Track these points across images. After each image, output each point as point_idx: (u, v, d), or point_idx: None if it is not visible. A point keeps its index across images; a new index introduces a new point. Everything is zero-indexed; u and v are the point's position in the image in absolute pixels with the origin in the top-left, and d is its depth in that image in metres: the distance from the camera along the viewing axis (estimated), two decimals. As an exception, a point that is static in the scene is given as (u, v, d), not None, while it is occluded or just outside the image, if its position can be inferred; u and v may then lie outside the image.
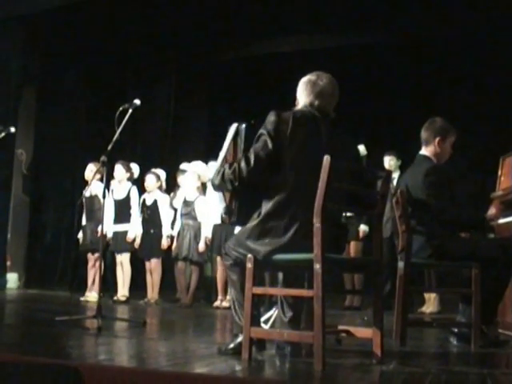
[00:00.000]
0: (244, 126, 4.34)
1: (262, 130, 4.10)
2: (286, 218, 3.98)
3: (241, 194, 4.22)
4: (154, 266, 9.69)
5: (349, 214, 8.56)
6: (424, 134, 5.27)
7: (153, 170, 10.07)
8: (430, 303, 8.65)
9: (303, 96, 4.28)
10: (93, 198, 9.81)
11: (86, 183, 9.47)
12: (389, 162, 9.05)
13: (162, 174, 10.22)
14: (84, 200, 9.81)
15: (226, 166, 4.15)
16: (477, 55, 11.19)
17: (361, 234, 8.91)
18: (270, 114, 4.11)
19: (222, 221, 4.61)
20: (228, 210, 4.30)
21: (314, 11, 11.16)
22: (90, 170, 9.65)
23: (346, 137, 4.34)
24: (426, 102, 11.38)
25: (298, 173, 4.00)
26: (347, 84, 12.29)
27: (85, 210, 9.98)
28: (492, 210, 5.41)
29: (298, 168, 4.01)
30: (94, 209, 9.73)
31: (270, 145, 4.02)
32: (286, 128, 4.05)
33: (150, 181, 9.79)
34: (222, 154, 4.37)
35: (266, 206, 4.05)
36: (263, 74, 12.86)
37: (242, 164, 4.05)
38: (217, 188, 4.27)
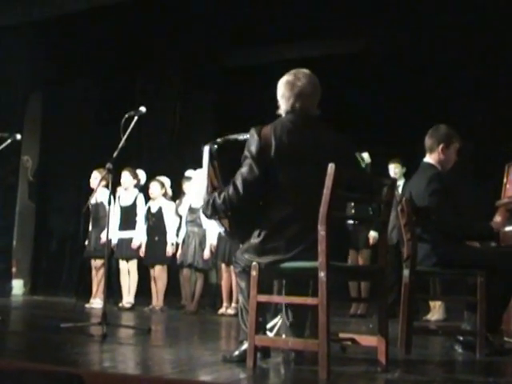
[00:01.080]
0: (215, 147, 4.32)
1: (245, 153, 4.03)
2: (284, 236, 3.95)
3: (238, 218, 4.17)
4: (158, 273, 9.69)
5: (356, 222, 8.59)
6: (428, 141, 5.26)
7: (157, 177, 10.08)
8: (436, 311, 8.62)
9: (283, 100, 4.19)
10: (98, 205, 9.82)
11: (91, 190, 9.49)
12: (394, 169, 9.04)
13: (167, 181, 10.23)
14: (90, 207, 9.83)
15: (215, 196, 4.10)
16: (483, 61, 11.16)
17: (371, 241, 8.86)
18: (251, 133, 4.04)
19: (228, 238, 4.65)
20: (229, 233, 4.30)
21: (319, 17, 11.16)
22: (95, 178, 9.68)
23: (339, 137, 4.20)
24: (431, 109, 11.35)
25: (291, 187, 3.95)
26: (351, 91, 12.30)
27: (91, 218, 9.99)
28: (497, 218, 5.40)
29: (291, 182, 3.96)
30: (99, 216, 9.74)
31: (255, 169, 3.97)
32: (270, 147, 3.98)
33: (155, 188, 9.80)
34: (205, 182, 4.33)
35: (265, 226, 4.01)
36: (270, 80, 12.86)
37: (231, 192, 4.01)
38: (210, 218, 4.26)
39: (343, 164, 3.76)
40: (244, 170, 4.00)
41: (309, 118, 4.16)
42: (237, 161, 4.10)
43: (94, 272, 9.87)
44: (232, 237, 4.27)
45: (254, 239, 4.05)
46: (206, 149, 4.36)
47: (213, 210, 4.12)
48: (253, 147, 4.00)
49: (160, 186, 9.82)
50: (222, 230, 4.30)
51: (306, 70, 4.24)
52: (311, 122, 4.16)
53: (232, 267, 7.55)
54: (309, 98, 4.17)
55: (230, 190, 4.01)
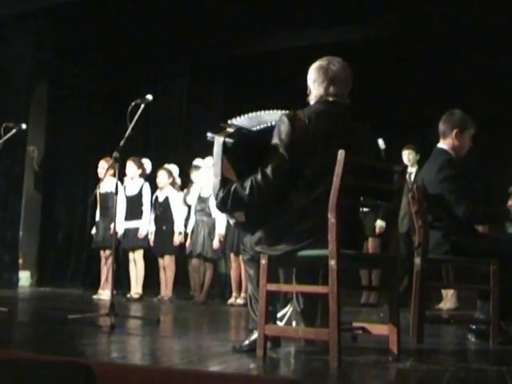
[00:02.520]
0: (231, 142, 4.03)
1: (275, 140, 3.96)
2: (310, 222, 3.90)
3: (259, 208, 4.05)
4: (167, 262, 9.71)
5: (365, 210, 8.57)
6: (442, 127, 5.24)
7: (165, 165, 10.09)
8: (448, 300, 8.63)
9: (316, 85, 4.16)
10: (106, 194, 9.82)
11: (98, 180, 9.50)
12: (407, 156, 9.04)
13: (175, 169, 10.23)
14: (98, 196, 9.85)
15: (236, 187, 3.95)
16: (496, 47, 11.11)
17: (377, 230, 8.88)
18: (282, 119, 3.98)
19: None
20: (240, 224, 4.20)
21: (330, 4, 11.12)
22: (102, 167, 9.67)
23: (365, 127, 4.22)
24: (447, 94, 11.30)
25: (317, 175, 3.92)
26: (366, 77, 12.27)
27: (99, 207, 10.01)
28: (510, 203, 5.39)
29: (318, 170, 3.92)
30: (108, 206, 9.74)
31: (286, 156, 3.90)
32: (303, 134, 3.93)
33: (162, 177, 9.81)
34: (217, 174, 4.06)
35: (279, 217, 3.98)
36: (280, 68, 12.81)
37: (260, 180, 3.89)
38: (229, 211, 4.11)
39: (368, 154, 3.79)
40: (274, 157, 3.93)
41: (341, 107, 4.13)
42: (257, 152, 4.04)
43: (101, 262, 9.89)
44: (244, 228, 4.20)
45: (270, 227, 4.01)
46: (219, 141, 4.07)
47: (235, 203, 3.96)
48: (284, 134, 3.93)
49: (167, 175, 9.83)
50: (232, 221, 4.20)
51: (338, 58, 4.22)
52: (343, 111, 4.13)
53: (241, 257, 7.55)
54: (342, 83, 4.15)
55: (259, 178, 3.90)
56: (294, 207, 3.94)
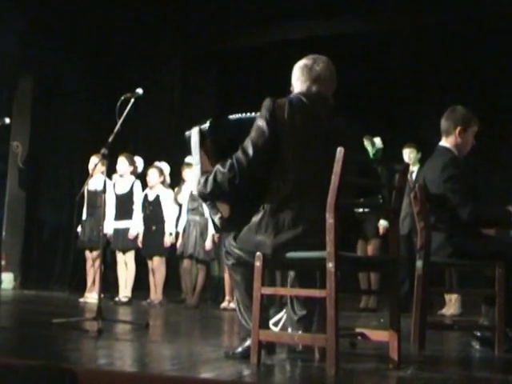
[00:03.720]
0: (207, 125, 4.23)
1: (257, 118, 4.06)
2: (292, 210, 3.94)
3: (237, 198, 4.13)
4: (156, 264, 9.69)
5: (366, 210, 8.58)
6: (444, 124, 5.24)
7: (155, 163, 10.08)
8: (451, 305, 8.63)
9: (299, 82, 4.25)
10: (94, 192, 9.81)
11: (86, 177, 9.47)
12: (408, 154, 9.05)
13: (166, 167, 10.22)
14: (86, 194, 9.84)
15: (218, 167, 4.05)
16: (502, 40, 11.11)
17: (381, 230, 8.88)
18: (265, 101, 4.07)
19: (217, 232, 4.48)
20: (225, 220, 4.21)
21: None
22: (93, 163, 9.65)
23: (348, 124, 4.27)
24: (449, 90, 11.30)
25: (300, 163, 3.97)
26: (363, 72, 12.25)
27: (86, 205, 10.00)
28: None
29: (300, 158, 3.98)
30: (96, 204, 9.73)
31: (267, 132, 3.98)
32: (283, 115, 4.01)
33: (153, 175, 9.79)
34: (196, 165, 4.23)
35: (270, 201, 4.00)
36: (275, 60, 12.81)
37: (240, 156, 3.98)
38: (209, 197, 4.17)
39: (352, 151, 3.79)
40: (255, 134, 4.01)
41: (324, 100, 4.20)
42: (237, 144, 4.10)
43: (88, 264, 9.88)
44: (229, 223, 4.21)
45: (259, 214, 4.03)
46: (195, 130, 4.27)
47: (214, 184, 4.04)
48: (265, 111, 4.02)
49: (158, 173, 9.81)
50: (217, 216, 4.22)
51: (324, 57, 4.30)
52: (326, 104, 4.20)
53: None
54: (325, 84, 4.23)
55: (239, 153, 3.99)
56: (276, 194, 3.99)
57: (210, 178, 4.06)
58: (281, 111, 4.02)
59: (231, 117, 4.32)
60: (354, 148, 3.91)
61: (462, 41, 11.41)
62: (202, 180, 4.12)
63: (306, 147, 3.99)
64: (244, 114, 4.41)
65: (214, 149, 4.21)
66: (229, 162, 4.01)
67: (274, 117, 4.00)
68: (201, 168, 4.22)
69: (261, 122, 4.02)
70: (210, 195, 4.14)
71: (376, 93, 12.10)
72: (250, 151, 3.97)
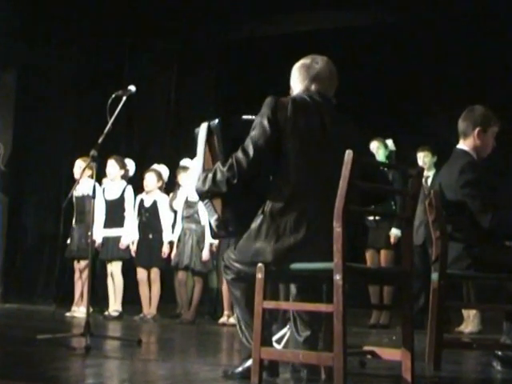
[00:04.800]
0: (217, 121, 4.30)
1: (258, 117, 4.10)
2: (294, 213, 3.95)
3: (235, 199, 4.16)
4: (153, 276, 9.67)
5: (377, 218, 8.58)
6: (462, 125, 5.23)
7: (154, 166, 10.08)
8: (469, 321, 8.61)
9: (298, 82, 4.32)
10: (82, 198, 9.81)
11: (73, 181, 9.48)
12: (423, 158, 9.03)
13: (165, 171, 10.21)
14: (74, 200, 9.84)
15: (218, 165, 4.11)
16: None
17: (392, 240, 8.86)
18: (267, 99, 4.12)
19: (214, 235, 4.49)
20: (221, 221, 4.23)
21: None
22: (79, 167, 9.65)
23: (354, 125, 4.30)
24: (468, 89, 11.27)
25: (302, 163, 4.01)
26: (372, 69, 12.21)
27: (74, 212, 9.99)
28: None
29: (302, 158, 4.01)
30: (85, 211, 9.73)
31: (268, 130, 4.02)
32: (285, 113, 4.05)
33: (151, 179, 9.78)
34: (199, 161, 4.30)
35: (271, 203, 4.02)
36: (277, 55, 12.81)
37: (240, 156, 4.02)
38: (206, 195, 4.20)
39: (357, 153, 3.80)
40: (256, 132, 4.06)
41: (326, 99, 4.24)
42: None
43: (76, 275, 9.87)
44: (227, 224, 4.22)
45: (257, 219, 4.04)
46: (204, 125, 4.36)
47: (212, 183, 4.09)
48: (267, 109, 4.07)
49: (157, 178, 9.80)
50: (213, 218, 4.23)
51: (324, 56, 4.36)
52: (329, 104, 4.24)
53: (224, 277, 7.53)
54: (325, 83, 4.29)
55: (239, 153, 4.03)
56: (276, 197, 4.02)
57: (210, 176, 4.11)
58: (283, 110, 4.06)
59: (244, 117, 4.35)
60: (360, 150, 3.92)
61: (483, 34, 11.36)
62: (202, 177, 4.18)
63: (308, 147, 4.03)
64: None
65: (221, 147, 4.24)
66: (229, 161, 4.05)
67: (276, 115, 4.04)
68: (203, 164, 4.29)
69: (262, 121, 4.06)
70: (207, 193, 4.18)
71: (388, 90, 12.05)
72: (251, 152, 4.00)
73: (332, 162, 3.80)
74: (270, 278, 4.01)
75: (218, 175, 4.07)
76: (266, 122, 4.04)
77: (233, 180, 4.03)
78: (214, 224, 4.23)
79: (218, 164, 4.12)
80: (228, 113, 4.53)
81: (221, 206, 4.19)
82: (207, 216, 4.34)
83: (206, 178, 4.14)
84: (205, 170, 4.25)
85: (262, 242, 3.99)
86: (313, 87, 4.25)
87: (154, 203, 9.80)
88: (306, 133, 4.05)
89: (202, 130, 4.34)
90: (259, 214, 4.05)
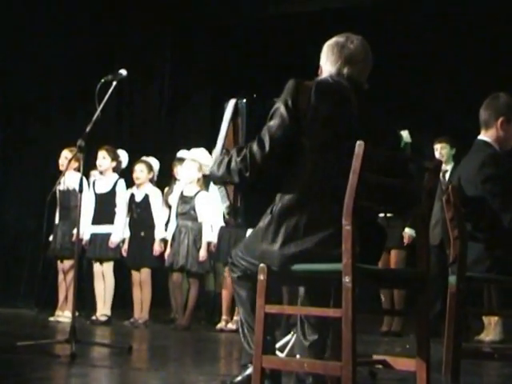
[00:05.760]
0: (244, 101, 4.28)
1: (277, 104, 4.04)
2: (306, 213, 3.91)
3: (248, 188, 4.17)
4: (145, 277, 9.67)
5: (389, 215, 8.57)
6: (483, 114, 5.22)
7: (143, 158, 10.07)
8: (491, 329, 8.62)
9: (328, 63, 4.22)
10: (68, 192, 9.80)
11: (59, 174, 9.47)
12: (440, 150, 9.03)
13: (155, 163, 10.21)
14: (58, 194, 9.83)
15: (234, 152, 4.08)
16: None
17: (405, 240, 8.88)
18: (289, 82, 4.05)
19: (226, 223, 4.52)
20: (232, 210, 4.25)
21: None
22: (65, 158, 9.64)
23: (384, 116, 4.27)
24: (491, 75, 11.24)
25: (322, 159, 3.95)
26: (385, 51, 12.18)
27: (58, 207, 9.98)
28: None
29: (322, 153, 3.95)
30: (71, 206, 9.73)
31: (287, 121, 3.96)
32: (307, 101, 3.99)
33: (141, 172, 9.78)
34: (220, 140, 4.30)
35: (282, 200, 3.98)
36: (280, 39, 12.80)
37: (255, 148, 3.97)
38: (219, 181, 4.23)
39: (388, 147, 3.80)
40: (274, 122, 4.00)
41: (358, 85, 4.18)
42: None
43: (60, 276, 9.86)
44: (236, 214, 4.23)
45: (266, 218, 4.02)
46: (232, 102, 4.33)
47: (226, 170, 4.07)
48: (288, 97, 4.00)
49: (147, 170, 9.80)
50: (225, 204, 4.26)
51: (359, 36, 4.28)
52: (360, 90, 4.18)
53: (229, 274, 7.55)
54: (359, 65, 4.21)
55: (254, 145, 3.99)
56: (288, 193, 3.98)
57: (225, 162, 4.10)
58: (305, 96, 4.00)
59: (276, 99, 4.31)
60: (390, 145, 3.91)
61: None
62: (218, 160, 4.17)
63: (331, 141, 3.96)
64: None
65: (244, 130, 4.23)
66: (243, 151, 4.03)
67: (297, 102, 3.98)
68: (223, 144, 4.30)
69: (281, 109, 4.00)
70: (220, 179, 4.20)
71: (402, 76, 12.04)
72: (267, 144, 3.96)
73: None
74: (274, 281, 4.00)
75: (232, 164, 4.04)
76: (284, 111, 3.98)
77: (245, 172, 4.00)
78: (225, 211, 4.27)
79: (234, 151, 4.10)
80: (224, 102, 4.46)
81: (233, 194, 4.21)
82: (220, 201, 4.36)
83: (221, 162, 4.13)
84: (223, 151, 4.25)
85: (269, 245, 3.96)
86: (345, 70, 4.16)
87: (146, 198, 9.79)
88: (330, 123, 3.99)
89: (230, 107, 4.32)
90: (268, 212, 4.03)
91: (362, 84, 4.21)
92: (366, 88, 4.23)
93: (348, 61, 4.17)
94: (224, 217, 4.43)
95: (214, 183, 4.33)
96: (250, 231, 4.71)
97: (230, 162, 4.06)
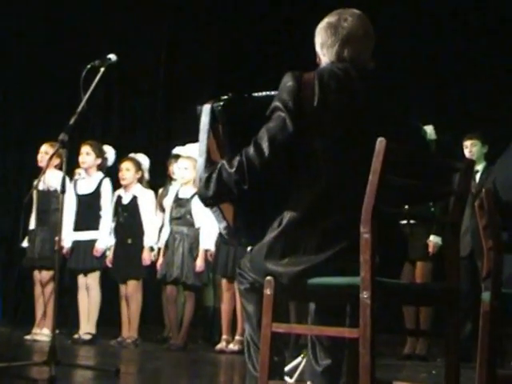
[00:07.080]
0: (221, 105, 4.14)
1: (276, 103, 3.96)
2: (319, 227, 3.88)
3: (246, 205, 4.09)
4: (132, 290, 9.65)
5: (412, 222, 8.55)
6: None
7: (131, 155, 10.05)
8: (530, 353, 8.61)
9: (325, 48, 4.16)
10: (49, 193, 9.79)
11: (38, 171, 9.45)
12: (470, 148, 9.00)
13: (145, 161, 10.18)
14: (35, 196, 9.81)
15: (222, 165, 3.98)
16: None
17: (430, 249, 8.85)
18: (286, 77, 3.99)
19: (226, 243, 4.47)
20: (233, 230, 4.19)
21: None
22: (45, 153, 9.62)
23: (401, 105, 4.22)
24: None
25: (332, 163, 3.90)
26: (404, 39, 12.22)
27: (35, 210, 9.96)
28: None
29: (333, 156, 3.90)
30: (50, 209, 9.70)
31: (290, 125, 3.88)
32: (311, 96, 3.93)
33: (127, 171, 9.75)
34: (202, 154, 4.16)
35: (291, 212, 3.94)
36: (280, 37, 12.82)
37: (252, 155, 3.88)
38: (212, 202, 4.13)
39: (404, 138, 3.75)
40: (273, 125, 3.92)
41: (363, 68, 4.14)
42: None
43: (37, 289, 9.83)
44: (238, 234, 4.19)
45: (273, 232, 3.98)
46: (207, 108, 4.20)
47: (217, 187, 3.98)
48: (288, 96, 3.93)
49: (135, 168, 9.77)
50: (222, 225, 4.20)
51: (354, 10, 4.22)
52: (367, 73, 4.14)
53: (236, 286, 7.50)
54: (360, 43, 4.15)
55: (251, 151, 3.89)
56: (298, 206, 3.93)
57: (214, 177, 3.99)
58: (308, 91, 3.94)
59: (256, 95, 4.24)
60: (409, 136, 3.87)
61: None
62: (204, 177, 4.05)
63: (341, 140, 3.91)
64: (274, 92, 4.34)
65: (227, 138, 4.13)
66: (237, 159, 3.93)
67: (300, 100, 3.92)
68: (206, 159, 4.15)
69: (282, 111, 3.92)
70: (214, 199, 4.09)
71: (426, 65, 12.04)
72: (266, 149, 3.87)
73: (369, 157, 3.62)
74: (282, 296, 3.97)
75: (225, 176, 3.95)
76: (285, 112, 3.91)
77: (242, 184, 3.91)
78: (223, 232, 4.21)
79: (224, 162, 3.99)
80: (226, 92, 4.39)
81: (231, 212, 4.14)
82: (215, 223, 4.30)
83: (209, 179, 4.02)
84: (208, 166, 4.13)
85: (275, 264, 3.93)
86: (346, 53, 4.10)
87: (134, 200, 9.74)
88: (339, 120, 3.94)
89: (205, 115, 4.21)
90: (275, 226, 3.98)
91: (367, 63, 4.16)
92: (373, 67, 4.19)
93: (346, 41, 4.11)
94: (222, 237, 4.33)
95: (206, 205, 4.21)
96: None
97: (220, 175, 3.97)
